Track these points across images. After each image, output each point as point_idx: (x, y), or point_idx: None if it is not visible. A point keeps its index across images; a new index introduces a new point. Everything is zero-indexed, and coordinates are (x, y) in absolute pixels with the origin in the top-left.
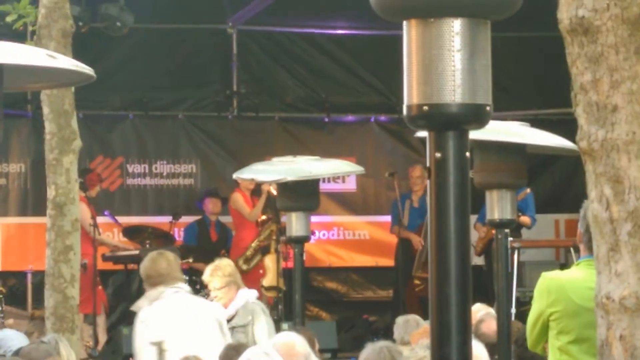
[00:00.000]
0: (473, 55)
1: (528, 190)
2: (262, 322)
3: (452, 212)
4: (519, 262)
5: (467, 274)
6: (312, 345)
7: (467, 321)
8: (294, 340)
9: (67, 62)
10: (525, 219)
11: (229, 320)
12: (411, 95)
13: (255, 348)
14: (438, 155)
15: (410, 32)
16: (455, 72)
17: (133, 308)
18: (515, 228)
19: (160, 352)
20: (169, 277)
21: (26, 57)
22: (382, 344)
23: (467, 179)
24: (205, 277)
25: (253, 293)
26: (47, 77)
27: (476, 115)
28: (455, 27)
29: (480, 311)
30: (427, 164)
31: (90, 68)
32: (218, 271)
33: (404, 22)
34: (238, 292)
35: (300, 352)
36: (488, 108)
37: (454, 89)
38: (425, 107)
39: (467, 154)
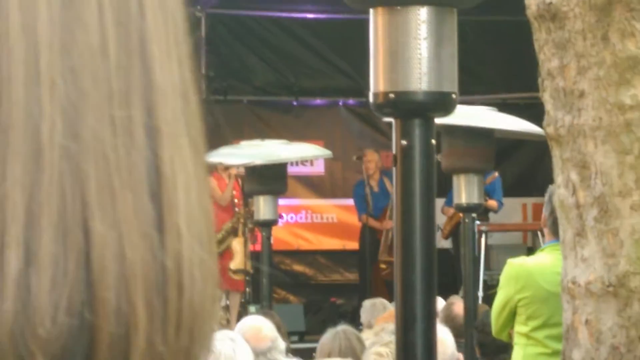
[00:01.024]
0: (439, 43)
1: (496, 174)
2: None
3: (418, 199)
4: (486, 245)
5: (432, 261)
6: (278, 330)
7: (432, 307)
8: (261, 324)
9: None
10: (492, 202)
11: None
12: (377, 82)
13: (220, 333)
14: (404, 142)
15: (376, 20)
16: (421, 60)
17: None
18: (483, 212)
19: None
20: None
21: None
22: (340, 328)
23: (432, 167)
24: None
25: None
26: None
27: (442, 103)
28: (421, 15)
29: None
30: (394, 151)
31: None
32: None
33: (371, 10)
34: None
35: (267, 335)
36: (454, 96)
37: (420, 77)
38: (392, 95)
39: (433, 141)
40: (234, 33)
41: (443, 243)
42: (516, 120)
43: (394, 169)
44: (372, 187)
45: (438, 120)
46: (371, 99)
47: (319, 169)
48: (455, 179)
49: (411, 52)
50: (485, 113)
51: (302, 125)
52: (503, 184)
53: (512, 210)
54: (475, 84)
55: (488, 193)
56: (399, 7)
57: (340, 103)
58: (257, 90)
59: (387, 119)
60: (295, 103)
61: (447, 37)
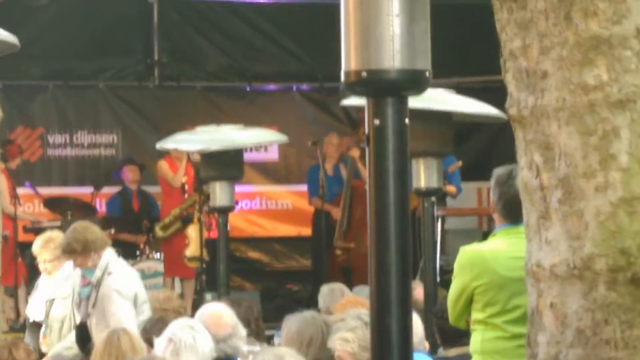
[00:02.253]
0: (412, 19)
1: (460, 163)
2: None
3: (392, 180)
4: (442, 230)
5: (407, 243)
6: (252, 313)
7: (407, 291)
8: (221, 311)
9: None
10: (451, 187)
11: None
12: (349, 61)
13: (180, 321)
14: (377, 122)
15: None
16: (394, 37)
17: (93, 279)
18: (441, 197)
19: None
20: (107, 242)
21: None
22: (309, 313)
23: (406, 146)
24: (36, 250)
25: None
26: None
27: (416, 82)
28: None
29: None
30: (366, 131)
31: (14, 36)
32: (50, 244)
33: None
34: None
35: (228, 322)
36: (427, 74)
37: (393, 55)
38: (364, 74)
39: (407, 120)
40: (186, 18)
41: None
42: (474, 102)
43: (366, 149)
44: (326, 171)
45: None
46: (342, 77)
47: (273, 155)
48: (414, 162)
49: (383, 29)
50: (443, 95)
51: (256, 111)
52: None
53: (468, 194)
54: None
55: (447, 178)
56: None
57: (295, 88)
58: (210, 76)
59: (346, 102)
60: (248, 89)
61: (420, 14)
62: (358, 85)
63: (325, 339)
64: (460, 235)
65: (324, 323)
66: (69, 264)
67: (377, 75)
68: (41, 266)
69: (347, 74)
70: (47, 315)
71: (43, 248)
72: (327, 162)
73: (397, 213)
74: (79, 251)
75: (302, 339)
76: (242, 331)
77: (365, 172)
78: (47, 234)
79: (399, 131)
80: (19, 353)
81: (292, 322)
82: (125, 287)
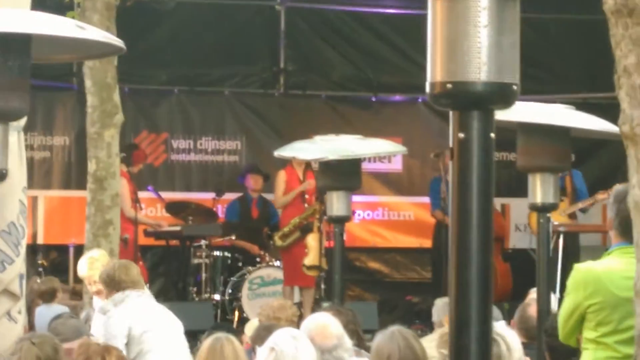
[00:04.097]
0: (500, 31)
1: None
2: None
3: (475, 195)
4: (565, 246)
5: (489, 260)
6: (355, 324)
7: (488, 309)
8: (328, 321)
9: (96, 34)
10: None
11: None
12: (435, 72)
13: (283, 331)
14: (461, 135)
15: (435, 7)
16: (481, 49)
17: (98, 311)
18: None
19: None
20: (139, 284)
21: (55, 27)
22: (395, 328)
23: (491, 161)
24: (84, 272)
25: None
26: (76, 48)
27: (502, 95)
28: (482, 2)
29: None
30: (450, 144)
31: (119, 40)
32: (96, 263)
33: None
34: None
35: (334, 333)
36: (515, 87)
37: (480, 67)
38: (449, 85)
39: (492, 134)
40: (313, 27)
41: (523, 243)
42: (594, 119)
43: (450, 163)
44: (448, 184)
45: (513, 118)
46: (428, 89)
47: (396, 166)
48: (530, 177)
49: (470, 41)
50: (562, 111)
51: (381, 122)
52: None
53: (592, 211)
54: (556, 82)
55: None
56: None
57: (420, 99)
58: (335, 85)
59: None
60: (374, 99)
61: (509, 25)
62: (443, 97)
63: (418, 352)
64: (584, 252)
65: (409, 335)
66: None
67: (463, 88)
68: (92, 288)
69: (432, 85)
70: None
71: (91, 270)
72: (449, 174)
73: (480, 229)
74: (108, 287)
75: (381, 354)
76: (348, 342)
77: None
78: (90, 255)
79: (484, 145)
80: (111, 359)
81: (377, 337)
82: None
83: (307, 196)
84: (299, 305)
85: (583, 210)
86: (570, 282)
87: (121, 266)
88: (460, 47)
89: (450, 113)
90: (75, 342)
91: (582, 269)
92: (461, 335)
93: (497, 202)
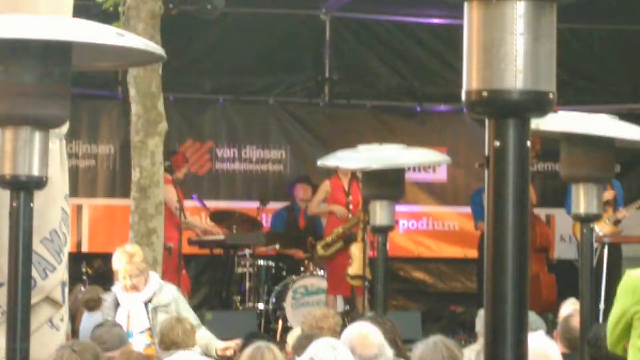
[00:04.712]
0: (537, 39)
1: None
2: (184, 300)
3: (511, 205)
4: (609, 257)
5: (525, 270)
6: (393, 334)
7: (523, 319)
8: (368, 330)
9: (135, 41)
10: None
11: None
12: (470, 80)
13: (322, 341)
14: (497, 143)
15: (471, 14)
16: (517, 57)
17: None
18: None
19: None
20: (184, 345)
21: (95, 34)
22: (436, 338)
23: (527, 170)
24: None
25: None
26: (117, 55)
27: (538, 103)
28: (518, 9)
29: (570, 305)
30: (486, 153)
31: (160, 47)
32: (134, 257)
33: (465, 4)
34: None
35: (374, 342)
36: (551, 95)
37: (516, 75)
38: (485, 93)
39: (528, 143)
40: (358, 37)
41: (568, 254)
42: (639, 129)
43: (485, 171)
44: None
45: (557, 128)
46: (463, 97)
47: (441, 176)
48: (574, 187)
49: (506, 48)
50: (606, 121)
51: (426, 131)
52: (628, 195)
53: (637, 221)
54: (600, 93)
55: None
56: (494, 1)
57: (465, 110)
58: (380, 95)
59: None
60: (419, 109)
61: (546, 33)
62: (478, 105)
63: None
64: (630, 263)
65: (452, 345)
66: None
67: (498, 95)
68: (126, 282)
69: (467, 93)
70: (153, 325)
71: (129, 264)
72: None
73: (515, 239)
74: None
75: None
76: (389, 351)
77: (534, 197)
78: (126, 249)
79: (519, 154)
80: None
81: (418, 347)
82: None
83: (351, 207)
84: (344, 314)
85: (617, 222)
86: (620, 287)
87: (167, 325)
88: (496, 54)
89: (486, 121)
90: (117, 350)
91: (633, 275)
92: (496, 345)
93: (542, 212)
